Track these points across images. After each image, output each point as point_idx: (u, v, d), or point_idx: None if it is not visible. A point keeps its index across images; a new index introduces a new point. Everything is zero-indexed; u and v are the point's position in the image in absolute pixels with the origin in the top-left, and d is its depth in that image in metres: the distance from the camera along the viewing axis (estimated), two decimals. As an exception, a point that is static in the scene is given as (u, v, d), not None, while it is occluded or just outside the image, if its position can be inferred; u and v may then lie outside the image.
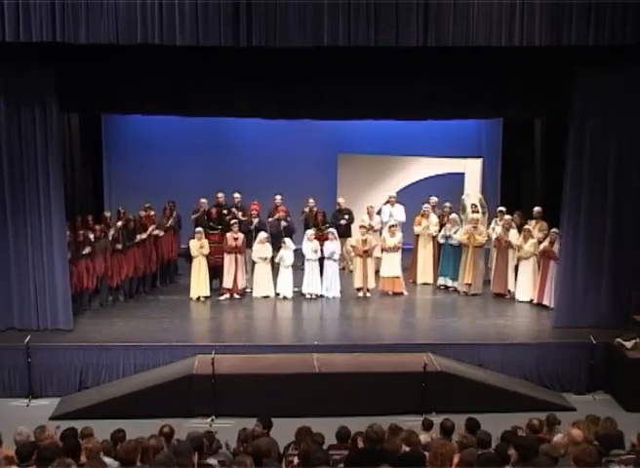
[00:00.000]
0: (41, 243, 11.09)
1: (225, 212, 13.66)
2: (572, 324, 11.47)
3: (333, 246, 13.06)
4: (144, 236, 12.81)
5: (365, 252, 13.02)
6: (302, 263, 13.27)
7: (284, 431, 7.50)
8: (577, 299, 11.53)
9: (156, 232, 13.19)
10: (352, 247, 13.30)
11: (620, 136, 11.09)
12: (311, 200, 14.19)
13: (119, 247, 12.35)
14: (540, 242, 12.57)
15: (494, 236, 13.19)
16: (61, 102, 10.86)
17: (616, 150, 11.10)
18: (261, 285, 13.02)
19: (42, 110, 10.78)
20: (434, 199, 14.07)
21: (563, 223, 11.58)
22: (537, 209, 13.20)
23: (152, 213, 13.31)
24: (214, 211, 13.43)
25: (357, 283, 13.16)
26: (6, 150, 10.81)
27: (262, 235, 12.95)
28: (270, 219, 13.71)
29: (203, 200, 13.68)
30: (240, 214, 13.58)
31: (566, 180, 11.31)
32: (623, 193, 11.22)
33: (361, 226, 13.33)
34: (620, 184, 11.18)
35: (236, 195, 13.93)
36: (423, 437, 7.32)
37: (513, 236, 12.92)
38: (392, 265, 13.21)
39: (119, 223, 12.69)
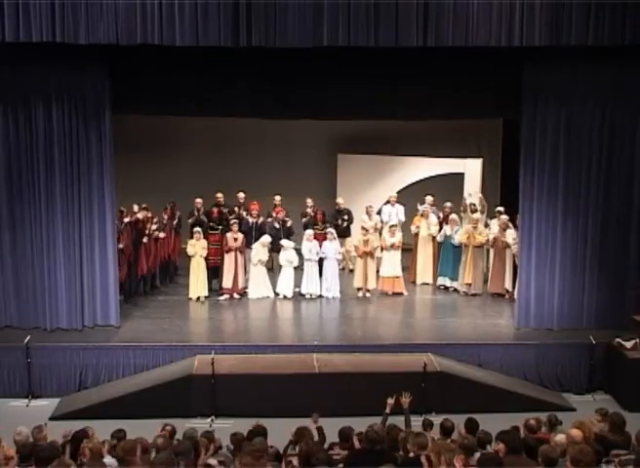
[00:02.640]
0: (93, 241, 11.18)
1: (227, 211, 13.65)
2: (533, 325, 11.53)
3: (332, 245, 13.06)
4: (145, 240, 12.74)
5: (366, 252, 13.02)
6: (302, 263, 13.27)
7: (284, 431, 7.49)
8: (537, 299, 11.54)
9: (162, 235, 13.15)
10: (354, 247, 13.30)
11: (569, 133, 11.11)
12: (309, 200, 14.17)
13: (120, 246, 12.32)
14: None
15: (491, 236, 13.18)
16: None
17: (565, 148, 11.15)
18: (257, 286, 13.00)
19: (95, 110, 10.86)
20: (430, 198, 14.08)
21: (518, 222, 11.62)
22: (536, 209, 13.20)
23: (150, 214, 13.24)
24: (214, 210, 13.42)
25: (358, 283, 13.16)
26: (57, 149, 10.86)
27: (267, 239, 12.92)
28: (269, 220, 13.72)
29: (198, 200, 13.64)
30: (245, 213, 13.58)
31: (521, 177, 11.32)
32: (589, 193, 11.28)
33: (363, 227, 13.33)
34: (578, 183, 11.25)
35: (240, 195, 13.93)
36: None
37: (510, 236, 12.91)
38: (392, 265, 13.21)
39: (126, 220, 12.68)
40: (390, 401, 7.75)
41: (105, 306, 11.37)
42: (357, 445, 6.77)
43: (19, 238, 11.07)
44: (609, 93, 11.02)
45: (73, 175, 10.99)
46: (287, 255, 12.92)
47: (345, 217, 14.10)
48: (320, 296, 13.03)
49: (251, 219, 13.34)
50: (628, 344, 10.66)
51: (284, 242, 12.98)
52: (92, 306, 11.33)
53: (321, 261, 13.09)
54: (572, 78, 10.95)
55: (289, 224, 13.45)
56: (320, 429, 7.48)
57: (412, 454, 6.22)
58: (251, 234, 13.15)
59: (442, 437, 7.07)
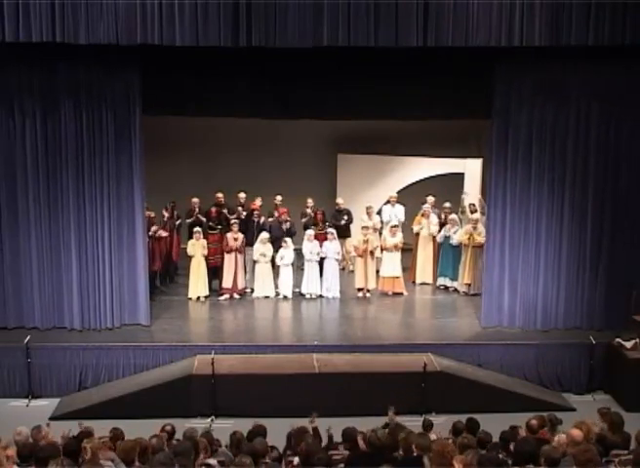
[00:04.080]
0: (121, 240, 11.24)
1: (226, 211, 13.65)
2: (506, 324, 11.57)
3: (332, 246, 13.05)
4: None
5: (366, 251, 13.01)
6: (302, 263, 13.28)
7: (284, 431, 7.49)
8: (510, 297, 11.55)
9: (164, 234, 13.13)
10: (354, 247, 13.30)
11: (542, 133, 11.14)
12: (310, 200, 14.18)
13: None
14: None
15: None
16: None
17: (538, 148, 11.19)
18: (262, 285, 13.02)
19: (125, 109, 10.91)
20: (432, 198, 14.08)
21: (488, 219, 11.65)
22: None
23: (152, 214, 13.23)
24: (213, 210, 13.42)
25: (358, 283, 13.16)
26: (87, 150, 10.89)
27: (264, 235, 12.95)
28: (270, 219, 13.73)
29: (195, 199, 13.65)
30: (245, 213, 13.59)
31: (490, 176, 11.38)
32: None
33: (363, 227, 13.33)
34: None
35: (241, 195, 13.94)
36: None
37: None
38: (392, 265, 13.21)
39: None
40: (391, 413, 7.74)
41: (135, 305, 11.43)
42: (362, 444, 6.72)
43: (45, 238, 11.11)
44: (582, 91, 11.04)
45: (102, 174, 11.03)
46: (283, 254, 12.92)
47: (345, 218, 14.10)
48: (320, 296, 13.03)
49: (254, 219, 13.33)
50: (628, 344, 10.67)
51: (287, 240, 12.99)
52: (122, 306, 11.39)
53: (321, 261, 13.09)
54: (543, 77, 11.00)
55: (288, 226, 13.45)
56: (316, 430, 7.47)
57: (413, 454, 6.22)
58: (252, 233, 13.13)
59: (451, 437, 7.06)
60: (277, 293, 13.04)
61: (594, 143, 11.17)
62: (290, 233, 13.41)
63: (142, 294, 11.43)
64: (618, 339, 10.77)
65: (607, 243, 11.37)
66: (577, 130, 11.14)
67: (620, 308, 11.40)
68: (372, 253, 13.06)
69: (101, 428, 7.29)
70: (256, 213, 13.44)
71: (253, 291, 13.14)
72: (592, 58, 10.70)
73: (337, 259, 13.22)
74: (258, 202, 13.75)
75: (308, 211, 14.03)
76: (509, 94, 11.08)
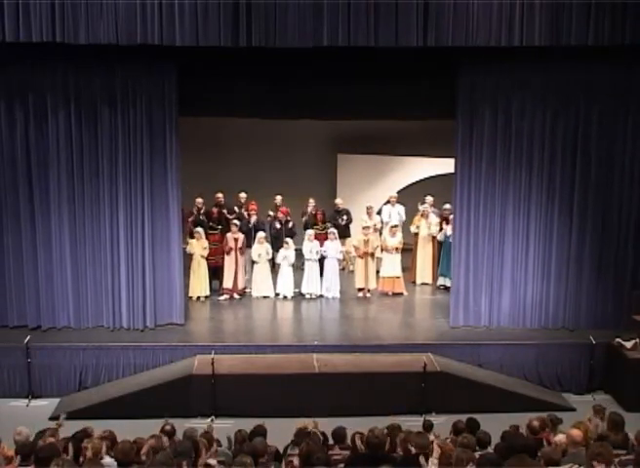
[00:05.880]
0: (155, 239, 11.26)
1: (226, 211, 13.66)
2: (472, 323, 11.59)
3: (333, 245, 13.06)
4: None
5: (367, 253, 13.01)
6: (303, 263, 13.28)
7: (284, 431, 7.49)
8: (475, 296, 11.57)
9: None
10: (354, 247, 13.30)
11: (507, 131, 11.16)
12: (311, 200, 14.20)
13: None
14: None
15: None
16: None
17: (502, 146, 11.21)
18: (261, 285, 13.02)
19: (162, 111, 10.94)
20: (430, 199, 14.09)
21: (454, 218, 11.69)
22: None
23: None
24: (214, 210, 13.43)
25: (358, 283, 13.16)
26: (122, 149, 10.92)
27: (261, 234, 12.98)
28: (268, 218, 13.75)
29: (199, 199, 13.68)
30: (246, 213, 13.60)
31: (456, 177, 11.39)
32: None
33: (364, 227, 13.34)
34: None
35: (242, 195, 13.95)
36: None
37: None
38: (393, 265, 13.21)
39: None
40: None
41: (169, 304, 11.46)
42: (359, 445, 6.72)
43: (79, 239, 11.13)
44: (548, 90, 11.05)
45: (137, 173, 11.03)
46: (285, 253, 12.92)
47: (345, 217, 14.11)
48: (320, 296, 13.03)
49: (251, 219, 13.35)
50: (628, 344, 10.67)
51: (289, 241, 13.00)
52: (155, 305, 11.39)
53: (321, 261, 13.10)
54: (506, 79, 11.03)
55: (290, 226, 13.48)
56: (323, 434, 7.46)
57: (412, 454, 6.23)
58: (250, 234, 13.15)
59: (452, 436, 7.07)
60: (277, 294, 13.05)
61: (561, 141, 11.16)
62: (290, 233, 13.43)
63: (177, 294, 11.46)
64: (618, 339, 10.77)
65: (575, 239, 11.36)
66: (543, 128, 11.12)
67: (589, 306, 11.46)
68: (372, 254, 13.06)
69: (102, 428, 7.30)
70: (252, 212, 13.45)
71: (252, 291, 13.16)
72: (564, 56, 10.70)
73: (338, 259, 13.22)
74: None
75: (309, 209, 14.04)
76: (473, 93, 11.08)
